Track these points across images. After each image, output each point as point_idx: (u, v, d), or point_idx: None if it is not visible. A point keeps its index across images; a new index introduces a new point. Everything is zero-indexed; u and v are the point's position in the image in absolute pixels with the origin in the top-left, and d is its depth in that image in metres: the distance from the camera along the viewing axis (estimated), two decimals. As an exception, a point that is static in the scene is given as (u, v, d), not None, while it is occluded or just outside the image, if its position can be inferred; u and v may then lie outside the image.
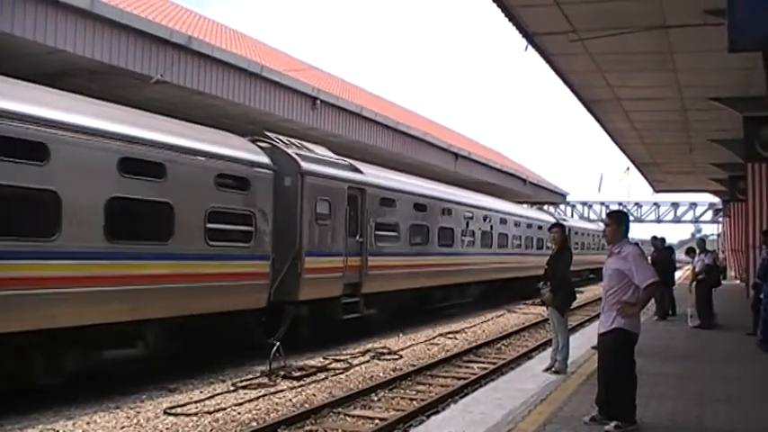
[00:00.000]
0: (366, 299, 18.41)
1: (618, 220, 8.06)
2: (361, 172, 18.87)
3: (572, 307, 12.89)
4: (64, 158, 10.66)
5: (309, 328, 16.59)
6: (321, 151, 17.87)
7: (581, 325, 22.05)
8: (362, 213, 18.44)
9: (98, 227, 11.19)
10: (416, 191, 22.39)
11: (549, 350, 12.20)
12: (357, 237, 18.14)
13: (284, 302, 15.53)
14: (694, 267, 19.22)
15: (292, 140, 17.12)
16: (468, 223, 25.57)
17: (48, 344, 10.94)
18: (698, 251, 19.26)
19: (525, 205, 47.14)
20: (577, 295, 13.36)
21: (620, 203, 71.46)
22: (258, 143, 15.83)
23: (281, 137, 16.76)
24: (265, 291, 14.92)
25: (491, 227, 28.26)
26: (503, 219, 30.03)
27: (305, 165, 16.07)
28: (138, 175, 11.91)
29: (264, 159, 15.13)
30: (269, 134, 16.56)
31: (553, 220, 27.43)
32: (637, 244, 8.11)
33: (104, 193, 11.32)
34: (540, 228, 34.60)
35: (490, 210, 28.75)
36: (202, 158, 13.32)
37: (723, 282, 20.94)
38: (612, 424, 7.47)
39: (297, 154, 16.22)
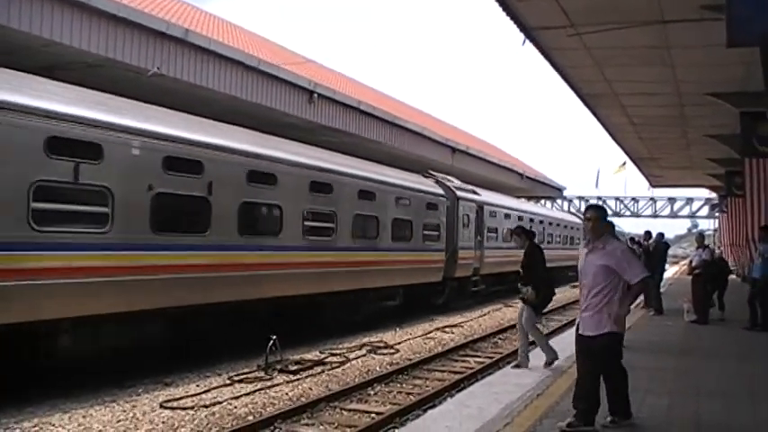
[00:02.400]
0: (481, 278, 27.94)
1: (598, 214, 7.67)
2: (479, 194, 28.78)
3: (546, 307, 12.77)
4: (214, 172, 13.49)
5: (455, 296, 25.53)
6: (458, 182, 27.53)
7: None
8: (481, 222, 28.16)
9: (234, 225, 14.20)
10: (509, 205, 33.83)
11: (538, 346, 11.90)
12: (478, 237, 27.67)
13: (447, 278, 24.78)
14: (691, 262, 19.28)
15: (446, 176, 27.18)
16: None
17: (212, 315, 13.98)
18: (696, 246, 19.34)
19: (523, 200, 47.29)
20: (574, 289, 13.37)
21: (616, 198, 71.56)
22: (428, 178, 25.63)
23: (436, 173, 26.88)
24: (441, 271, 24.24)
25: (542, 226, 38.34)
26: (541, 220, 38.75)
27: (459, 192, 26.28)
28: (319, 192, 17.10)
29: (441, 191, 25.02)
30: (432, 173, 26.57)
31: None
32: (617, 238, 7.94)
33: (237, 198, 14.31)
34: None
35: (534, 214, 38.44)
36: (421, 194, 23.20)
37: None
38: (609, 419, 7.45)
39: (454, 186, 26.27)
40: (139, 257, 12.11)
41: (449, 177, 27.10)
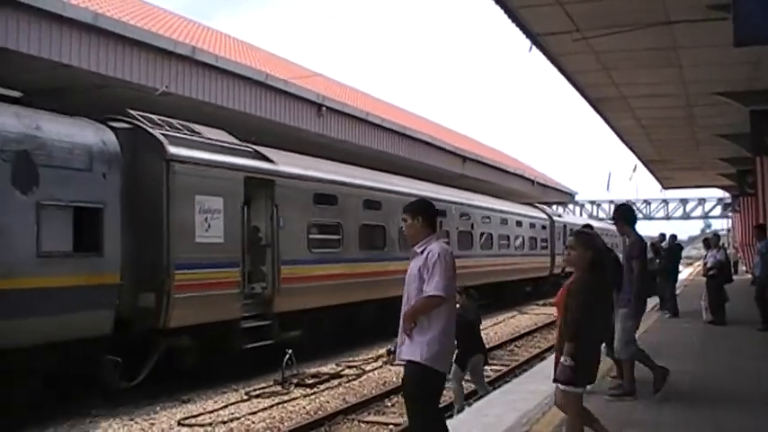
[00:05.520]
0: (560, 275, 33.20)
1: (415, 210, 6.08)
2: (560, 216, 41.81)
3: None
4: (347, 202, 18.38)
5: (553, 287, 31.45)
6: (550, 210, 39.89)
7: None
8: (553, 235, 37.47)
9: (355, 242, 18.77)
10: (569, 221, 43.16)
11: None
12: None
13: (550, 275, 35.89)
14: (706, 263, 19.18)
15: (544, 206, 40.54)
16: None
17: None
18: (711, 246, 19.26)
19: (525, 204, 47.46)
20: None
21: (628, 201, 71.30)
22: (536, 208, 38.17)
23: (541, 206, 40.24)
24: (547, 269, 36.25)
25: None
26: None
27: (554, 217, 39.24)
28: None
29: (545, 216, 37.75)
30: (537, 205, 38.70)
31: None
32: None
33: (358, 221, 18.98)
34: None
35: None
36: (540, 220, 36.66)
37: (735, 277, 20.83)
38: None
39: (550, 212, 39.64)
40: (353, 267, 18.08)
41: (545, 207, 40.08)
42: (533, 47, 12.43)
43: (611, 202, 71.66)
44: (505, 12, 10.89)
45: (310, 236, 16.78)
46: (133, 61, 16.64)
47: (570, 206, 67.72)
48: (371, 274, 18.68)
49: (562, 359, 6.00)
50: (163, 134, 13.26)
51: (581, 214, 66.54)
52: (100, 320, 11.59)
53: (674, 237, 22.12)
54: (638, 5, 10.82)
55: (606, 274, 6.84)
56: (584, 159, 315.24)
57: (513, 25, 11.41)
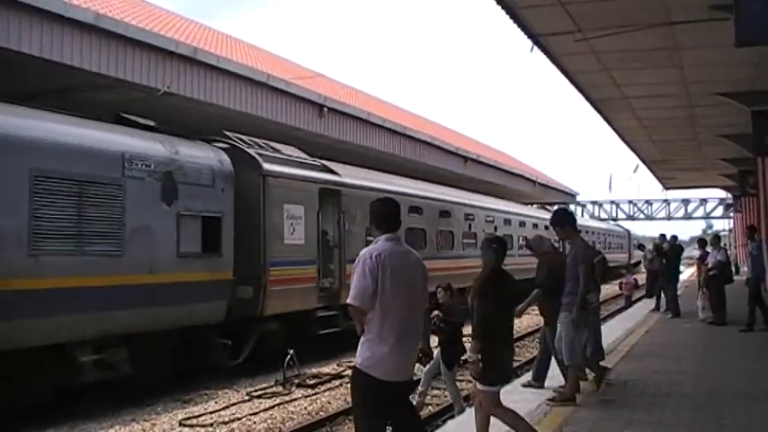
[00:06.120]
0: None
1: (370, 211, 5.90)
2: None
3: None
4: (427, 213, 23.38)
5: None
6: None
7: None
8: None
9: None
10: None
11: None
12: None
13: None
14: (704, 264, 19.11)
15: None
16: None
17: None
18: (711, 247, 19.23)
19: (535, 206, 47.38)
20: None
21: (630, 201, 71.36)
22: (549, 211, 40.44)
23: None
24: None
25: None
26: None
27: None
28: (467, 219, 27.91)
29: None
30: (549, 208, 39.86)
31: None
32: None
33: (404, 224, 19.81)
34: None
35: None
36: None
37: (735, 277, 20.81)
38: None
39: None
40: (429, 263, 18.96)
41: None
42: (535, 47, 12.41)
43: (613, 202, 71.74)
44: (507, 12, 10.88)
45: (368, 237, 17.37)
46: (135, 62, 16.63)
47: (572, 207, 67.71)
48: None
49: (468, 356, 6.20)
50: (258, 153, 15.95)
51: (582, 215, 66.50)
52: (218, 309, 14.14)
53: (674, 237, 22.11)
54: (639, 6, 10.81)
55: (508, 276, 7.07)
56: (586, 160, 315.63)
57: (515, 26, 11.40)
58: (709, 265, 18.37)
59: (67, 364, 11.20)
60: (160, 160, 12.88)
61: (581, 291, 8.97)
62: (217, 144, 15.37)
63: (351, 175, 19.46)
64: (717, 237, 21.32)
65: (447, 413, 11.16)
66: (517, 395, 9.79)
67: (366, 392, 5.43)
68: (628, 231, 68.75)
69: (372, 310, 5.36)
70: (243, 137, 16.50)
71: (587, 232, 44.59)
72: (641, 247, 40.77)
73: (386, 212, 5.78)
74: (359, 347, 5.47)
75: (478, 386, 6.73)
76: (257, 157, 15.72)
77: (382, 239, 5.60)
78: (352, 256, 16.13)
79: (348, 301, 5.44)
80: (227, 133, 16.22)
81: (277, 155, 16.80)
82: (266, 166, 15.66)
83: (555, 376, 10.02)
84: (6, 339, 10.13)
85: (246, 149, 15.81)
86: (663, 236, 22.68)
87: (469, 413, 9.23)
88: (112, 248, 11.84)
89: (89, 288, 11.28)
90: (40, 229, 10.60)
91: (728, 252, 17.75)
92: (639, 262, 45.48)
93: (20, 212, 10.40)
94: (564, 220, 9.88)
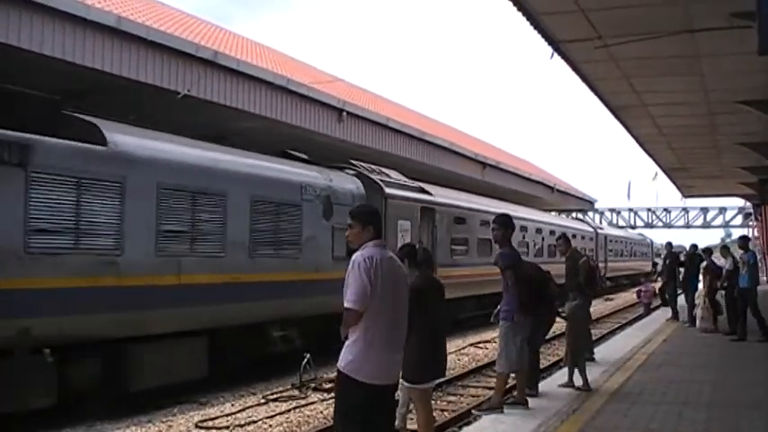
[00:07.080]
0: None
1: (352, 215, 5.85)
2: (602, 228, 49.21)
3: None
4: (472, 222, 25.01)
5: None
6: (595, 223, 50.38)
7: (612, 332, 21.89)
8: (597, 245, 43.33)
9: (474, 251, 25.22)
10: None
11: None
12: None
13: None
14: (713, 273, 18.85)
15: (588, 220, 51.44)
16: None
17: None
18: (710, 256, 19.10)
19: (553, 213, 47.19)
20: (607, 302, 13.29)
21: (648, 209, 71.01)
22: (581, 221, 47.52)
23: (585, 218, 51.67)
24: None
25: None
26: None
27: (599, 230, 46.62)
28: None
29: (591, 228, 45.16)
30: (580, 217, 48.11)
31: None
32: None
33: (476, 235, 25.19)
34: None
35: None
36: (588, 233, 42.42)
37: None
38: None
39: (594, 225, 49.62)
40: (473, 270, 23.62)
41: (589, 221, 49.76)
42: (555, 54, 12.40)
43: (631, 210, 71.42)
44: (528, 19, 10.88)
45: (452, 247, 23.81)
46: (156, 65, 16.73)
47: (590, 214, 67.45)
48: (478, 275, 23.74)
49: None
50: (380, 179, 19.85)
51: (600, 222, 66.26)
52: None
53: (694, 246, 22.00)
54: (660, 13, 10.78)
55: (433, 274, 7.91)
56: (604, 167, 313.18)
57: (536, 32, 11.40)
58: (723, 275, 18.05)
59: (264, 339, 14.89)
60: (322, 187, 16.57)
61: (515, 299, 9.11)
62: (348, 171, 18.82)
63: (441, 195, 23.78)
64: (725, 247, 21.02)
65: (464, 419, 11.13)
66: (533, 402, 9.78)
67: (355, 399, 5.38)
68: (651, 240, 68.49)
69: (369, 313, 5.38)
70: (364, 164, 20.19)
71: (615, 241, 50.22)
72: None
73: (370, 217, 5.80)
74: (343, 351, 5.45)
75: (407, 384, 7.53)
76: (380, 182, 19.54)
77: (370, 245, 5.57)
78: (442, 262, 20.52)
79: (347, 305, 5.36)
80: (353, 162, 19.78)
81: (391, 179, 20.75)
82: (387, 189, 19.59)
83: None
84: (239, 318, 14.00)
85: (370, 175, 19.50)
86: (669, 244, 22.55)
87: (485, 419, 9.23)
88: (295, 253, 15.64)
89: (281, 282, 15.02)
90: (256, 240, 14.51)
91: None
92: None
93: (242, 227, 14.10)
94: (507, 223, 9.72)
